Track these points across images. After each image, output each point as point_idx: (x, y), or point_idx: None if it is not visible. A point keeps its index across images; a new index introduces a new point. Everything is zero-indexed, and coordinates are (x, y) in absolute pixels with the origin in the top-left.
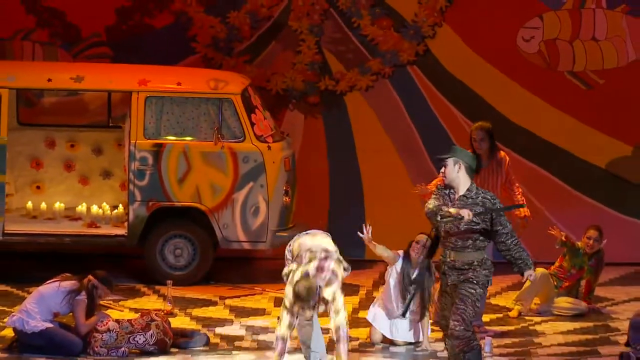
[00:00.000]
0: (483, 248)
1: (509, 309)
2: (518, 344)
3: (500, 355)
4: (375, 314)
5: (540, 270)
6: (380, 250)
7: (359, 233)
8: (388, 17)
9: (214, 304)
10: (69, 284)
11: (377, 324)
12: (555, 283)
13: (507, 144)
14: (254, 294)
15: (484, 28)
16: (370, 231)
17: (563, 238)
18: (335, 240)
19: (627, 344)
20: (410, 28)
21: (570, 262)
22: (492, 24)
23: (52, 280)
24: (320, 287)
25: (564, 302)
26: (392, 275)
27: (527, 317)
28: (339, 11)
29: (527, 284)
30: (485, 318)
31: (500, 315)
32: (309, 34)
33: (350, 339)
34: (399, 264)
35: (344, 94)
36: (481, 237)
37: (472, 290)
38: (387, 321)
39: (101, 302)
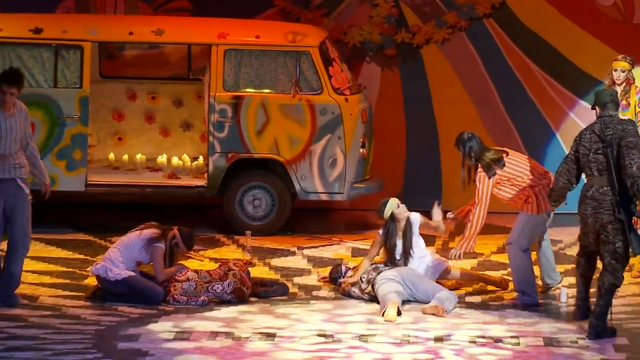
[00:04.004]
0: None
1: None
2: (592, 294)
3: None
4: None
5: None
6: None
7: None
8: None
9: (292, 254)
10: (149, 232)
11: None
12: None
13: (582, 96)
14: (332, 244)
15: None
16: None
17: None
18: (411, 190)
19: None
20: None
21: None
22: None
23: (135, 229)
24: None
25: None
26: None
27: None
28: None
29: None
30: (560, 268)
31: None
32: None
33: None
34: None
35: (421, 46)
36: None
37: None
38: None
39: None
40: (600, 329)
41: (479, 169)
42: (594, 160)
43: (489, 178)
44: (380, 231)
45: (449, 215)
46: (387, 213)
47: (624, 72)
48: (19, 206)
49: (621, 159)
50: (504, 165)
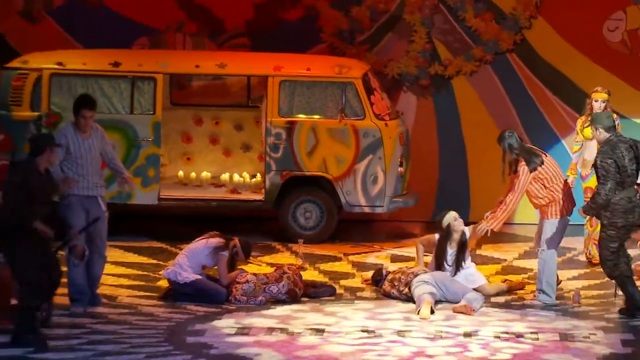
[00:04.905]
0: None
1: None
2: (603, 295)
3: (588, 305)
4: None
5: None
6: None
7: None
8: (489, 11)
9: (339, 259)
10: (215, 241)
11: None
12: None
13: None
14: (373, 251)
15: (574, 20)
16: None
17: None
18: (443, 204)
19: None
20: (508, 20)
21: None
22: (581, 16)
23: (201, 237)
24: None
25: None
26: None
27: None
28: (447, 6)
29: None
30: (574, 273)
31: (588, 270)
32: (421, 26)
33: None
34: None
35: (452, 77)
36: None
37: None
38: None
39: None
40: None
41: (522, 162)
42: (634, 174)
43: (530, 171)
44: (437, 234)
45: (486, 215)
46: (445, 223)
47: (604, 102)
48: (100, 222)
49: None
50: (542, 163)
